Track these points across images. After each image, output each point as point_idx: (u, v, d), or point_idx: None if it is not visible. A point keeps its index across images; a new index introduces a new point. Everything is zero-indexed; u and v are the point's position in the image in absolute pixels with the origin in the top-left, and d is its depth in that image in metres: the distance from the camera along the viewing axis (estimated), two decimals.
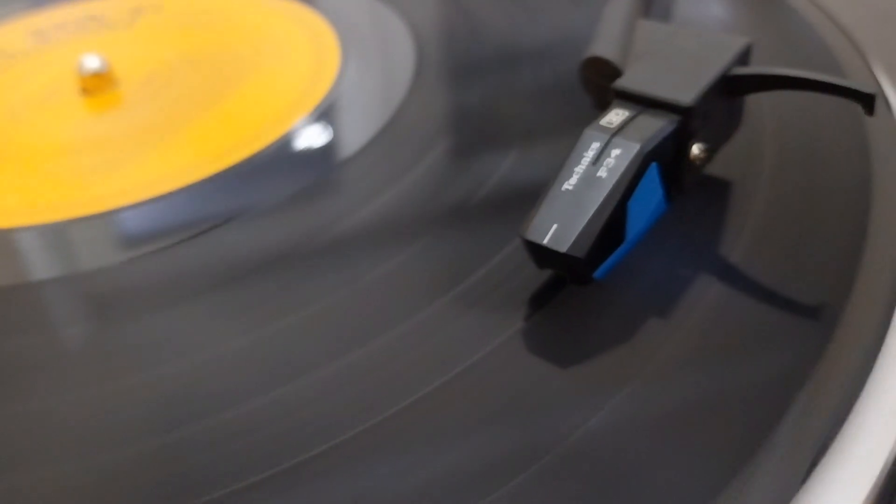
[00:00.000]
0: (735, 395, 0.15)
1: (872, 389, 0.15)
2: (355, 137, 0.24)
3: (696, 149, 0.18)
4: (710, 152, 0.19)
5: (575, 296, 0.17)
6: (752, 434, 0.14)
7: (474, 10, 0.30)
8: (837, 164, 0.20)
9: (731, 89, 0.18)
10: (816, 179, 0.20)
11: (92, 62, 0.26)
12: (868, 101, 0.17)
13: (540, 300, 0.17)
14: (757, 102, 0.22)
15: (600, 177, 0.16)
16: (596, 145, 0.17)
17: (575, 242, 0.16)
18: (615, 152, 0.16)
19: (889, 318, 0.16)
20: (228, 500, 0.14)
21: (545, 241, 0.16)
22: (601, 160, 0.16)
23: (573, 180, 0.16)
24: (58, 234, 0.21)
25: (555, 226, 0.16)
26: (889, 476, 0.14)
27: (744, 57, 0.19)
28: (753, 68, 0.18)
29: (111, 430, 0.15)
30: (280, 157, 0.23)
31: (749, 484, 0.13)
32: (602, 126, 0.17)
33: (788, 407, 0.14)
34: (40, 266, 0.21)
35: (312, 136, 0.24)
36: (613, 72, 0.19)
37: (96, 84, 0.26)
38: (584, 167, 0.16)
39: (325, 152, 0.24)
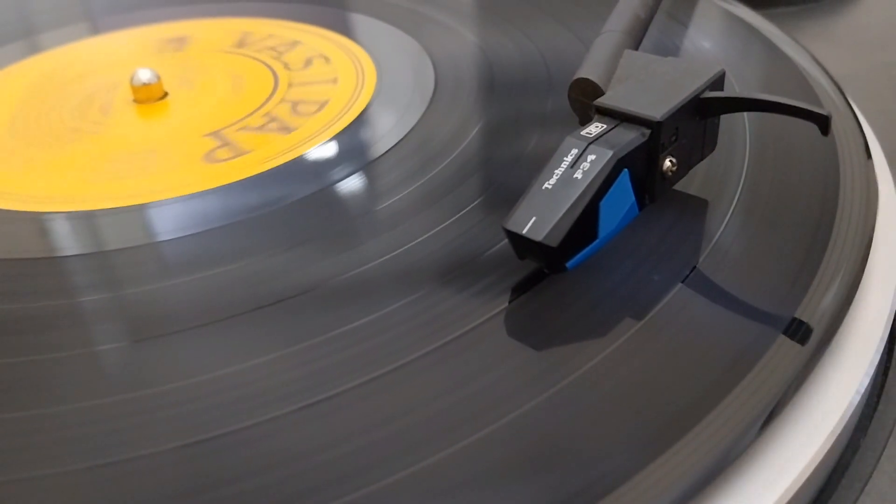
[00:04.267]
0: (680, 382, 0.16)
1: (811, 390, 0.17)
2: (376, 148, 0.26)
3: (667, 162, 0.20)
4: (682, 168, 0.21)
5: (551, 287, 0.19)
6: (683, 421, 0.15)
7: (486, 42, 0.33)
8: (807, 189, 0.22)
9: (703, 111, 0.20)
10: (786, 202, 0.22)
11: (144, 74, 0.29)
12: (823, 122, 0.19)
13: (519, 290, 0.19)
14: (736, 127, 0.25)
15: (576, 178, 0.18)
16: (575, 151, 0.19)
17: (550, 233, 0.18)
18: (591, 157, 0.18)
19: (835, 329, 0.18)
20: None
21: (524, 232, 0.18)
22: (578, 164, 0.18)
23: (552, 180, 0.18)
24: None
25: (533, 218, 0.18)
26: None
27: (717, 83, 0.21)
28: (722, 92, 0.21)
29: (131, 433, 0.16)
30: (304, 166, 0.26)
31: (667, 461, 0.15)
32: (581, 135, 0.19)
33: (727, 395, 0.16)
34: (69, 247, 0.23)
35: (331, 150, 0.27)
36: (597, 92, 0.21)
37: (146, 94, 0.29)
38: (562, 170, 0.19)
39: (347, 160, 0.26)
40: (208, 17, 0.39)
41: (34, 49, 0.38)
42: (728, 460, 0.15)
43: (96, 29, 0.40)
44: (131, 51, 0.37)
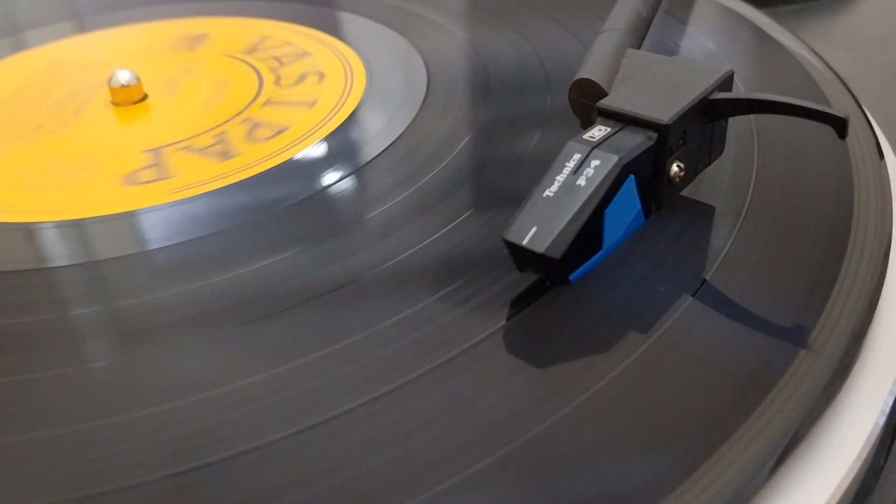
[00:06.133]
0: (695, 406, 0.15)
1: (832, 415, 0.16)
2: (366, 152, 0.25)
3: (674, 167, 0.19)
4: (690, 173, 0.20)
5: (554, 301, 0.18)
6: (704, 445, 0.14)
7: (481, 42, 0.32)
8: (820, 193, 0.21)
9: (712, 112, 0.19)
10: (798, 207, 0.21)
11: (123, 75, 0.28)
12: (840, 124, 0.18)
13: (518, 305, 0.18)
14: (743, 130, 0.24)
15: (579, 185, 0.17)
16: (577, 156, 0.18)
17: (552, 244, 0.16)
18: (594, 163, 0.17)
19: (856, 347, 0.17)
20: None
21: (524, 242, 0.17)
22: (581, 170, 0.17)
23: (554, 188, 0.17)
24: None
25: (534, 228, 0.17)
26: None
27: (726, 84, 0.20)
28: (732, 93, 0.20)
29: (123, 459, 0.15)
30: (293, 171, 0.25)
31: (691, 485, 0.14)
32: (584, 139, 0.18)
33: (746, 419, 0.15)
34: (56, 257, 0.22)
35: (318, 155, 0.26)
36: (599, 93, 0.20)
37: (125, 96, 0.28)
38: (564, 176, 0.17)
39: (335, 165, 0.25)
40: (228, 14, 0.38)
41: (22, 45, 0.37)
42: (752, 488, 0.14)
43: (111, 21, 0.38)
44: (144, 46, 0.35)
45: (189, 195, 0.24)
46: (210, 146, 0.26)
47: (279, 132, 0.27)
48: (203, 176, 0.25)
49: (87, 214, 0.23)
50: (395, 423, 0.15)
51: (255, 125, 0.28)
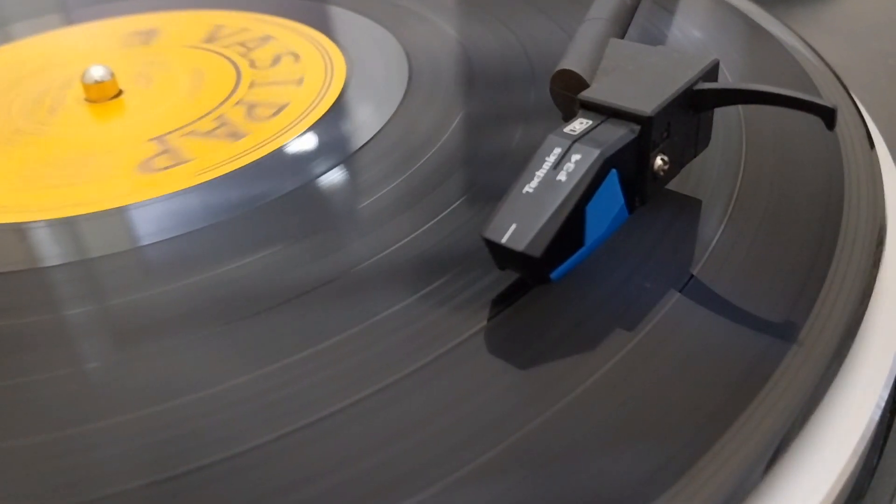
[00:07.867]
0: (683, 404, 0.15)
1: (825, 411, 0.15)
2: (345, 149, 0.25)
3: (658, 160, 0.18)
4: (675, 166, 0.19)
5: (539, 298, 0.17)
6: (694, 446, 0.14)
7: (465, 34, 0.31)
8: (810, 184, 0.21)
9: (697, 104, 0.19)
10: (787, 199, 0.20)
11: (96, 71, 0.27)
12: (828, 115, 0.17)
13: (502, 302, 0.17)
14: (731, 121, 0.23)
15: (560, 180, 0.17)
16: (558, 150, 0.17)
17: (532, 242, 0.16)
18: (575, 157, 0.17)
19: (849, 341, 0.16)
20: None
21: (503, 241, 0.16)
22: (562, 165, 0.17)
23: (534, 183, 0.17)
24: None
25: (513, 226, 0.16)
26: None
27: (711, 74, 0.19)
28: (717, 83, 0.19)
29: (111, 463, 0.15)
30: (277, 164, 0.24)
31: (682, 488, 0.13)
32: (565, 133, 0.17)
33: (735, 419, 0.14)
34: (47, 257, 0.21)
35: (303, 148, 0.25)
36: (582, 85, 0.20)
37: (98, 93, 0.27)
38: (544, 171, 0.17)
39: (312, 162, 0.24)
40: (182, 8, 0.37)
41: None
42: (745, 489, 0.13)
43: (67, 20, 0.38)
44: (94, 44, 0.35)
45: (216, 175, 0.24)
46: (214, 129, 0.26)
47: (280, 109, 0.27)
48: (221, 157, 0.24)
49: (109, 206, 0.23)
50: (384, 424, 0.15)
51: (252, 106, 0.27)
